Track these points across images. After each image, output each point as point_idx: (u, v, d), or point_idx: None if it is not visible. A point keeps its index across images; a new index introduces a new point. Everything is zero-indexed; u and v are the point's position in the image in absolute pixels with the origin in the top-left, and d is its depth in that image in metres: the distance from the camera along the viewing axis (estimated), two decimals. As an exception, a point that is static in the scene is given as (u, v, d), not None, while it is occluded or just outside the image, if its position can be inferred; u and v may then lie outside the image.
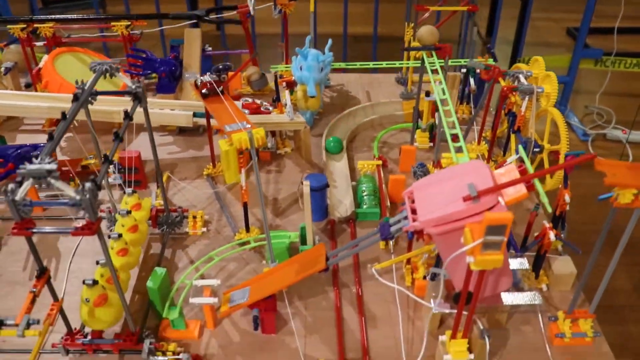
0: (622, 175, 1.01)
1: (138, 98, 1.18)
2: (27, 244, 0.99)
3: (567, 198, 1.22)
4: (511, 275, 1.12)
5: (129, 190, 1.29)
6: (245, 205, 1.35)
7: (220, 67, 1.84)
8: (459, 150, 1.15)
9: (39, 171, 0.90)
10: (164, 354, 1.12)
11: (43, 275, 1.06)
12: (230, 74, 1.85)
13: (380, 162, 1.53)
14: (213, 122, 1.63)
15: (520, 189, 1.00)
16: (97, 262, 1.12)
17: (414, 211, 1.05)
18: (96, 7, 3.10)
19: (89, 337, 1.11)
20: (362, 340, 1.18)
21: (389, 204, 1.46)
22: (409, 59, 1.83)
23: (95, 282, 1.07)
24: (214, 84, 1.37)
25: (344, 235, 1.42)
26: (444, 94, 1.29)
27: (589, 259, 1.11)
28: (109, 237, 1.19)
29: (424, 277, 1.26)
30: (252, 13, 1.78)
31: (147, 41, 2.04)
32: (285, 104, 1.61)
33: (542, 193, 1.14)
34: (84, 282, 1.08)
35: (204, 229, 1.42)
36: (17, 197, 0.91)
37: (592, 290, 1.17)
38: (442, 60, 1.39)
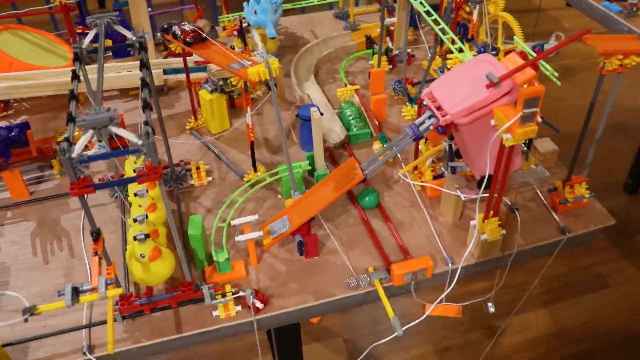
0: (609, 46, 1.15)
1: (143, 48, 1.15)
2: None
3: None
4: (521, 155, 1.25)
5: (141, 191, 1.18)
6: (252, 145, 1.36)
7: (165, 26, 1.81)
8: (460, 50, 1.24)
9: (101, 120, 0.87)
10: (223, 296, 1.13)
11: (99, 237, 1.03)
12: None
13: (357, 86, 1.59)
14: (183, 75, 1.61)
15: (529, 71, 1.11)
16: (135, 220, 1.11)
17: (439, 108, 1.14)
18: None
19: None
20: (399, 243, 1.26)
21: (377, 122, 1.53)
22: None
23: (147, 236, 1.06)
24: (199, 30, 1.35)
25: (344, 158, 1.48)
26: (424, 7, 1.37)
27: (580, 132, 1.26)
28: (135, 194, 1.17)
29: (434, 178, 1.35)
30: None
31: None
32: (253, 49, 1.62)
33: (550, 70, 1.25)
34: (134, 239, 1.06)
35: (209, 178, 1.42)
36: (74, 154, 0.89)
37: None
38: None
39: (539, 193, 1.38)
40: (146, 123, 0.91)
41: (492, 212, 1.18)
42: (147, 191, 1.18)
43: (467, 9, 1.59)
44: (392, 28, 1.80)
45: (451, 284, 1.19)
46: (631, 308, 2.52)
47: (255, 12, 1.71)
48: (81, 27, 1.68)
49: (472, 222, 1.23)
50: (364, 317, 2.43)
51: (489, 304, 1.29)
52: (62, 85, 1.53)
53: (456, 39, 1.26)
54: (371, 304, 1.21)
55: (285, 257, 1.24)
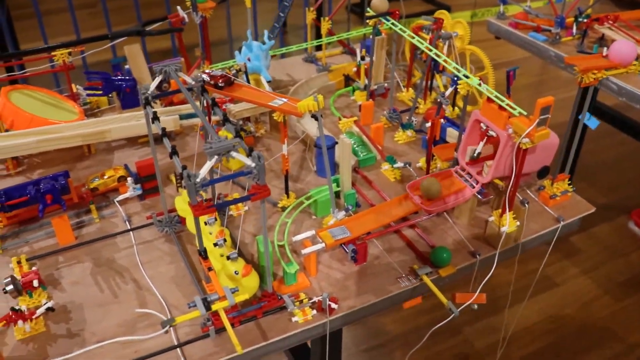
0: (586, 64, 1.44)
1: (204, 90, 1.28)
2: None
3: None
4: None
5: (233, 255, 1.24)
6: (287, 174, 1.51)
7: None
8: (466, 77, 1.47)
9: (227, 146, 1.00)
10: (301, 302, 1.26)
11: (207, 255, 1.14)
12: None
13: (355, 118, 1.79)
14: (197, 120, 1.74)
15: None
16: (215, 244, 1.22)
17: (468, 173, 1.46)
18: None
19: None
20: (429, 244, 1.45)
21: (380, 147, 1.74)
22: (318, 38, 2.13)
23: (238, 255, 1.18)
24: (228, 75, 1.50)
25: (359, 181, 1.66)
26: (423, 44, 1.61)
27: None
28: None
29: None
30: (186, 20, 1.89)
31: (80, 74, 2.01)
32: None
33: (518, 110, 1.51)
34: (228, 258, 1.18)
35: (246, 208, 1.54)
36: (199, 179, 1.01)
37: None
38: (396, 22, 1.70)
39: (528, 192, 1.63)
40: (251, 150, 1.04)
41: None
42: (216, 219, 1.30)
43: (441, 45, 1.85)
44: (366, 67, 2.03)
45: (476, 273, 1.40)
46: (577, 301, 2.85)
47: (249, 59, 1.88)
48: (91, 82, 1.77)
49: (489, 219, 1.46)
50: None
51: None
52: (88, 136, 1.61)
53: (460, 68, 1.50)
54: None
55: (337, 266, 1.39)
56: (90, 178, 1.58)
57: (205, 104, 1.33)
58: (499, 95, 1.38)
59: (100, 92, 1.77)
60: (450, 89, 1.79)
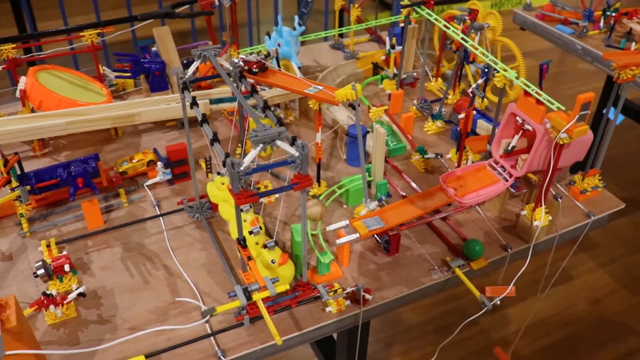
0: (624, 60, 1.42)
1: (243, 76, 1.27)
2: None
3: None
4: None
5: (270, 243, 1.21)
6: (319, 162, 1.50)
7: (185, 61, 1.92)
8: (505, 70, 1.45)
9: (272, 135, 0.99)
10: (335, 293, 1.25)
11: (246, 244, 1.13)
12: (202, 65, 1.94)
13: (386, 107, 1.77)
14: (232, 105, 1.73)
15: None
16: (251, 232, 1.21)
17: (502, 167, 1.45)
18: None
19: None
20: (461, 236, 1.44)
21: (410, 136, 1.72)
22: (342, 25, 2.11)
23: (276, 243, 1.17)
24: (263, 61, 1.48)
25: (389, 171, 1.65)
26: (458, 34, 1.59)
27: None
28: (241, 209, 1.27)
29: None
30: (216, 3, 1.87)
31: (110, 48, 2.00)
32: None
33: (556, 104, 1.49)
34: (265, 246, 1.17)
35: (276, 195, 1.53)
36: (243, 167, 1.00)
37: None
38: (430, 11, 1.68)
39: (559, 186, 1.62)
40: (294, 139, 1.03)
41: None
42: (251, 207, 1.29)
43: (472, 35, 1.82)
44: (395, 56, 2.01)
45: (520, 264, 1.39)
46: (593, 295, 2.85)
47: (279, 45, 1.86)
48: (120, 63, 1.75)
49: (522, 212, 1.45)
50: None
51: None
52: (118, 118, 1.59)
53: (497, 60, 1.48)
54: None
55: (370, 256, 1.38)
56: (119, 162, 1.57)
57: (243, 90, 1.32)
58: (536, 89, 1.36)
59: (129, 74, 1.75)
60: (480, 80, 1.77)
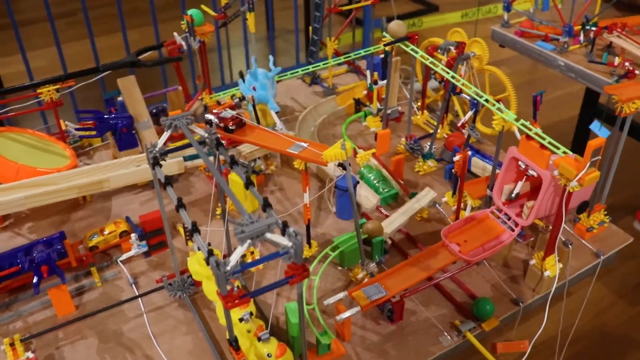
0: (627, 93, 1.33)
1: (220, 144, 1.14)
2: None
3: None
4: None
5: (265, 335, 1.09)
6: (308, 223, 1.38)
7: (154, 110, 1.79)
8: (499, 110, 1.34)
9: (261, 229, 0.86)
10: (337, 375, 1.13)
11: (239, 346, 1.00)
12: (173, 113, 1.80)
13: (374, 150, 1.65)
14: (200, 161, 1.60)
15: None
16: (241, 320, 1.09)
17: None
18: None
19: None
20: (468, 293, 1.33)
21: (401, 181, 1.61)
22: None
23: (271, 335, 1.05)
24: (240, 116, 1.36)
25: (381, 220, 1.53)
26: (448, 73, 1.48)
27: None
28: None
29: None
30: (184, 48, 1.74)
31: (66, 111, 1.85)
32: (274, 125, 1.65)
33: (548, 139, 1.39)
34: (259, 340, 1.04)
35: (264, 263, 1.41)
36: (229, 267, 0.87)
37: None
38: (414, 46, 1.57)
39: (563, 225, 1.52)
40: (285, 226, 0.90)
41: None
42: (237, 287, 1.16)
43: (460, 67, 1.72)
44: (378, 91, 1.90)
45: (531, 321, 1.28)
46: (592, 309, 2.76)
47: (254, 89, 1.74)
48: (83, 122, 1.61)
49: (530, 262, 1.34)
50: None
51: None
52: (84, 187, 1.45)
53: (491, 99, 1.38)
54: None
55: (372, 326, 1.27)
56: (88, 235, 1.43)
57: (219, 160, 1.19)
58: (539, 132, 1.26)
59: (94, 132, 1.61)
60: (469, 113, 1.67)
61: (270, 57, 1.78)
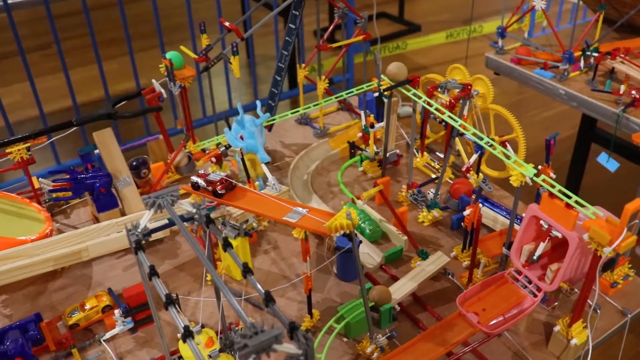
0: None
1: (210, 221, 1.01)
2: None
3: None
4: None
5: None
6: (310, 293, 1.25)
7: (135, 163, 1.66)
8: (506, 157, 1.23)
9: (269, 342, 0.73)
10: None
11: None
12: (155, 166, 1.68)
13: (381, 187, 1.50)
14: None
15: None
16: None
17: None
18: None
19: None
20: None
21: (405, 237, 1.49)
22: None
23: None
24: (229, 179, 1.23)
25: (387, 282, 1.41)
26: (450, 117, 1.37)
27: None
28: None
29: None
30: (164, 96, 1.61)
31: (41, 164, 1.71)
32: (257, 181, 1.52)
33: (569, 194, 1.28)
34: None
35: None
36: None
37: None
38: (415, 89, 1.46)
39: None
40: (293, 327, 0.78)
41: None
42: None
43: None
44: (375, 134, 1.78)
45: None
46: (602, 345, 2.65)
47: (242, 138, 1.61)
48: (57, 183, 1.47)
49: (555, 329, 1.23)
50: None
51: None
52: (61, 258, 1.32)
53: (495, 143, 1.27)
54: None
55: (386, 409, 1.14)
56: (67, 311, 1.28)
57: (210, 239, 1.06)
58: (564, 190, 1.15)
59: (70, 194, 1.47)
60: (474, 156, 1.57)
61: (258, 103, 1.66)
